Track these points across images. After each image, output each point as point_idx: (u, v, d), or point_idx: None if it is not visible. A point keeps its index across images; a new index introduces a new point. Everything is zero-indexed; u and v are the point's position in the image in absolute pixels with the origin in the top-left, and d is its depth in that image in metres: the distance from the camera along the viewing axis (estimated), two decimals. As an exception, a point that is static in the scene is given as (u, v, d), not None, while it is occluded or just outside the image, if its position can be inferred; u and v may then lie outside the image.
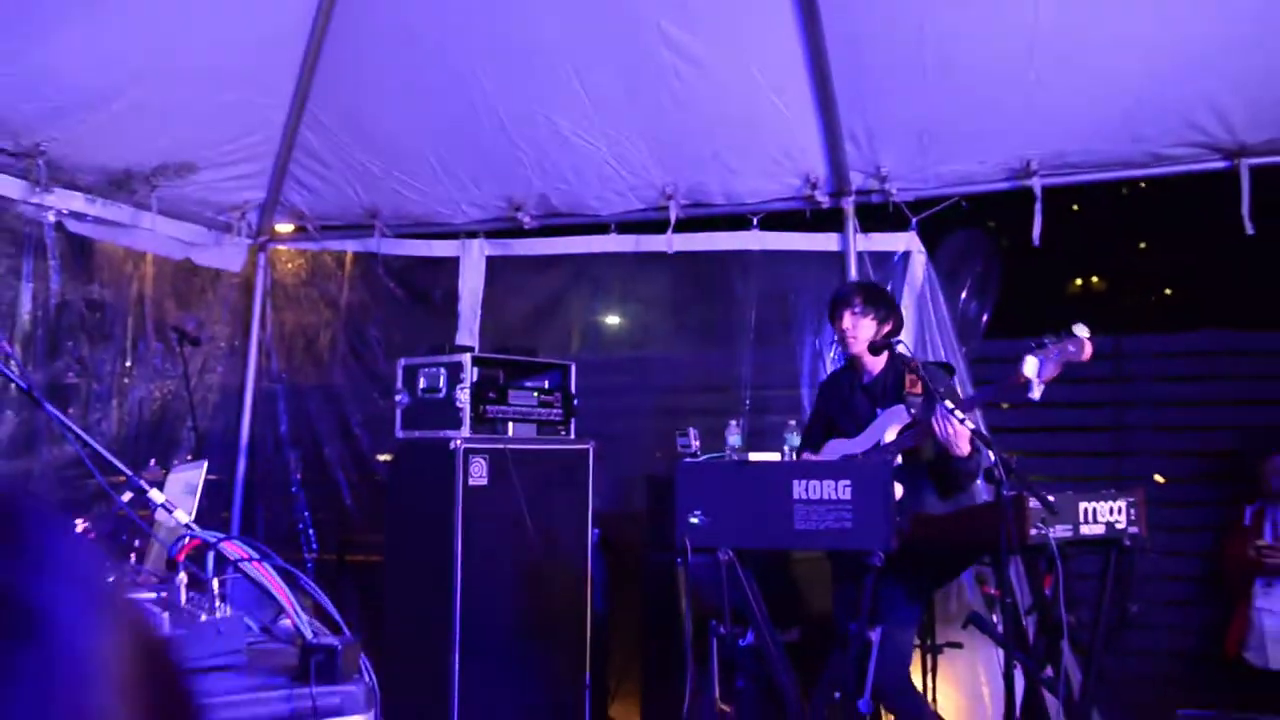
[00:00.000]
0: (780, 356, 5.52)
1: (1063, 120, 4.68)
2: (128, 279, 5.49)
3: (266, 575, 1.81)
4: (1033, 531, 3.16)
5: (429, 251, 5.97)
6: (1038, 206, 4.82)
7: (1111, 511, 3.37)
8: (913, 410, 3.62)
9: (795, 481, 3.19)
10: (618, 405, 5.62)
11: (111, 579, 0.68)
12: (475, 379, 4.40)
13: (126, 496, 2.25)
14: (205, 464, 2.82)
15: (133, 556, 2.97)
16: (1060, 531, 3.21)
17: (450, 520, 4.24)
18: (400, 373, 4.62)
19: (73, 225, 5.09)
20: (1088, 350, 3.26)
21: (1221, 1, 4.17)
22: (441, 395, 4.45)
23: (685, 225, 5.43)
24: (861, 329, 3.89)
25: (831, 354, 5.40)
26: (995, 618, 4.05)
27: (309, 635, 1.73)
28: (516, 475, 4.42)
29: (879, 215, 5.24)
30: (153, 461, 4.75)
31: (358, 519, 5.88)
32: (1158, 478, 5.38)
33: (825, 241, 5.36)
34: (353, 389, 6.00)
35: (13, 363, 2.21)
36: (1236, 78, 4.35)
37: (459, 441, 4.29)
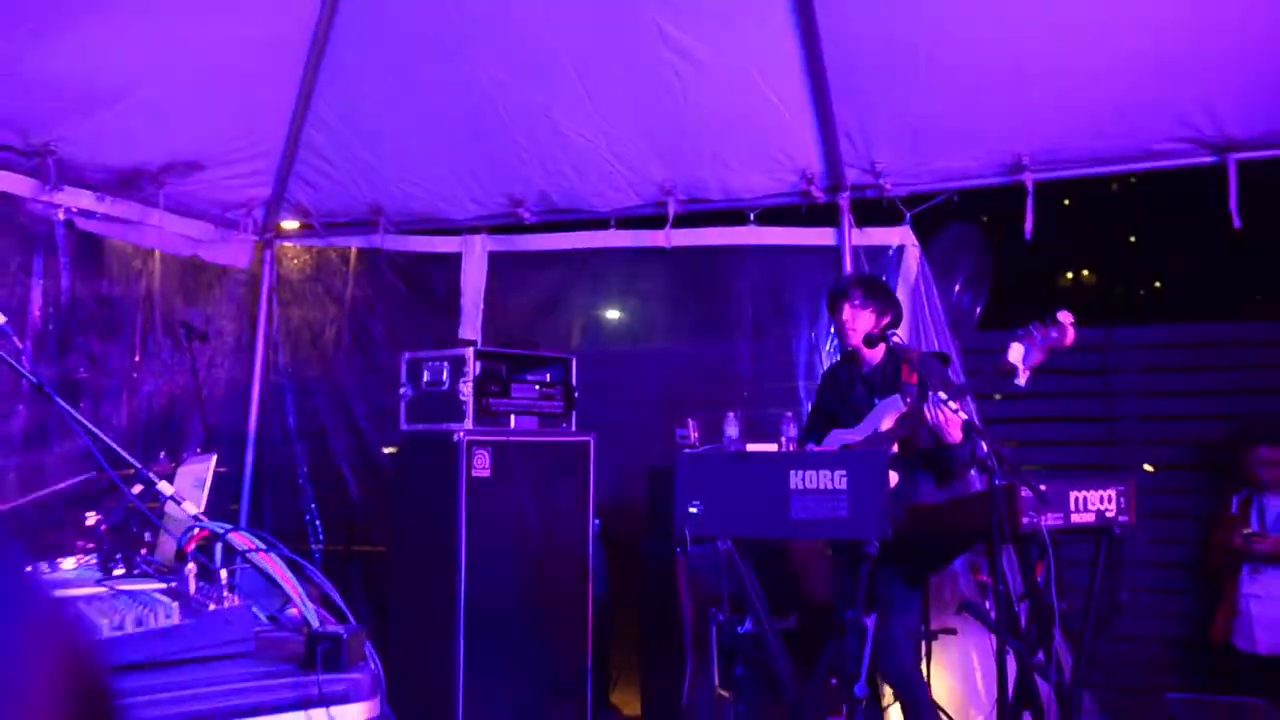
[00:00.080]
0: (777, 349, 5.52)
1: (1054, 117, 4.68)
2: (137, 275, 5.48)
3: (274, 566, 1.81)
4: (1025, 520, 3.16)
5: (432, 247, 5.97)
6: (1029, 201, 4.82)
7: (1102, 500, 3.37)
8: (908, 399, 3.63)
9: (792, 472, 3.19)
10: (618, 398, 5.62)
11: (43, 594, 0.68)
12: (478, 373, 4.40)
13: (137, 489, 2.25)
14: (214, 457, 2.81)
15: (143, 548, 2.97)
16: (1051, 520, 3.21)
17: (454, 511, 4.24)
18: (404, 367, 4.62)
19: (82, 223, 5.08)
20: (1070, 336, 3.26)
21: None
22: (445, 389, 4.45)
23: (683, 221, 5.44)
24: (861, 321, 3.90)
25: (828, 346, 5.40)
26: (988, 604, 4.06)
27: (315, 624, 1.73)
28: (519, 467, 4.42)
29: (873, 210, 5.25)
30: (162, 454, 4.75)
31: (363, 510, 5.89)
32: (1147, 467, 5.39)
33: (821, 236, 5.36)
34: (358, 383, 6.01)
35: (23, 358, 2.20)
36: (1224, 74, 4.35)
37: (462, 434, 4.29)
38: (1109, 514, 3.38)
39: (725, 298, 5.62)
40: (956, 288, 5.79)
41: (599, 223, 5.62)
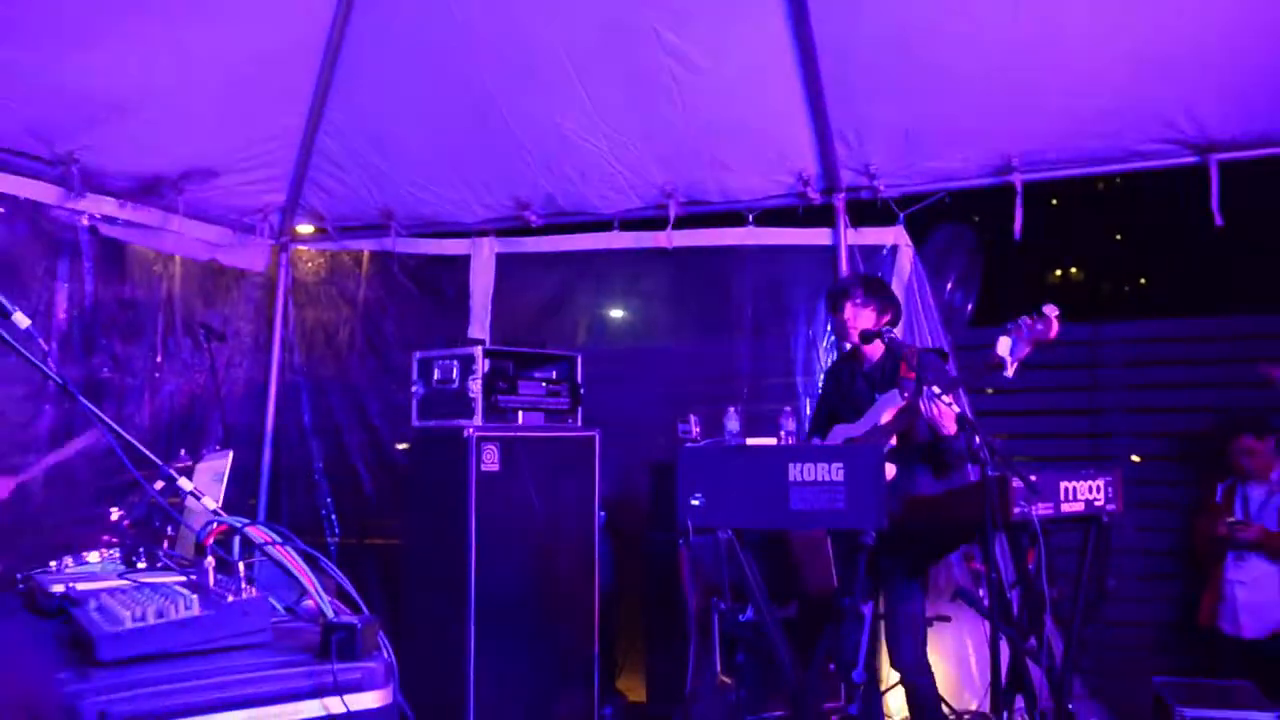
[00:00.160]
0: (776, 346, 5.52)
1: (1042, 119, 4.67)
2: (158, 279, 5.49)
3: (290, 558, 1.81)
4: (1016, 510, 3.16)
5: (441, 250, 5.97)
6: (1018, 201, 4.82)
7: (1090, 490, 3.36)
8: (905, 393, 3.62)
9: (791, 464, 3.19)
10: (622, 394, 5.61)
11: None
12: (487, 370, 4.40)
13: (158, 485, 2.25)
14: (231, 454, 2.81)
15: (165, 542, 2.97)
16: (1042, 509, 3.20)
17: (464, 505, 4.24)
18: (416, 365, 4.62)
19: (105, 229, 5.10)
20: (1055, 328, 3.26)
21: (1192, 4, 4.15)
22: (455, 386, 4.45)
23: (684, 222, 5.44)
24: (862, 319, 3.89)
25: (824, 343, 5.40)
26: (981, 592, 4.05)
27: (330, 615, 1.72)
28: (526, 461, 4.42)
29: (868, 211, 5.25)
30: (183, 451, 4.75)
31: (377, 504, 5.89)
32: (1134, 457, 5.38)
33: (817, 236, 5.35)
34: (370, 381, 6.01)
35: (49, 359, 2.20)
36: (1205, 77, 4.34)
37: (472, 430, 4.29)
38: (1097, 503, 3.38)
39: (725, 297, 5.61)
40: (949, 286, 5.79)
41: (602, 225, 5.62)
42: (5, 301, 1.84)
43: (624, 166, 5.27)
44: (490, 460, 4.32)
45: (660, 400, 5.58)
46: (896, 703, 4.35)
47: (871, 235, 5.26)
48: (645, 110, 5.00)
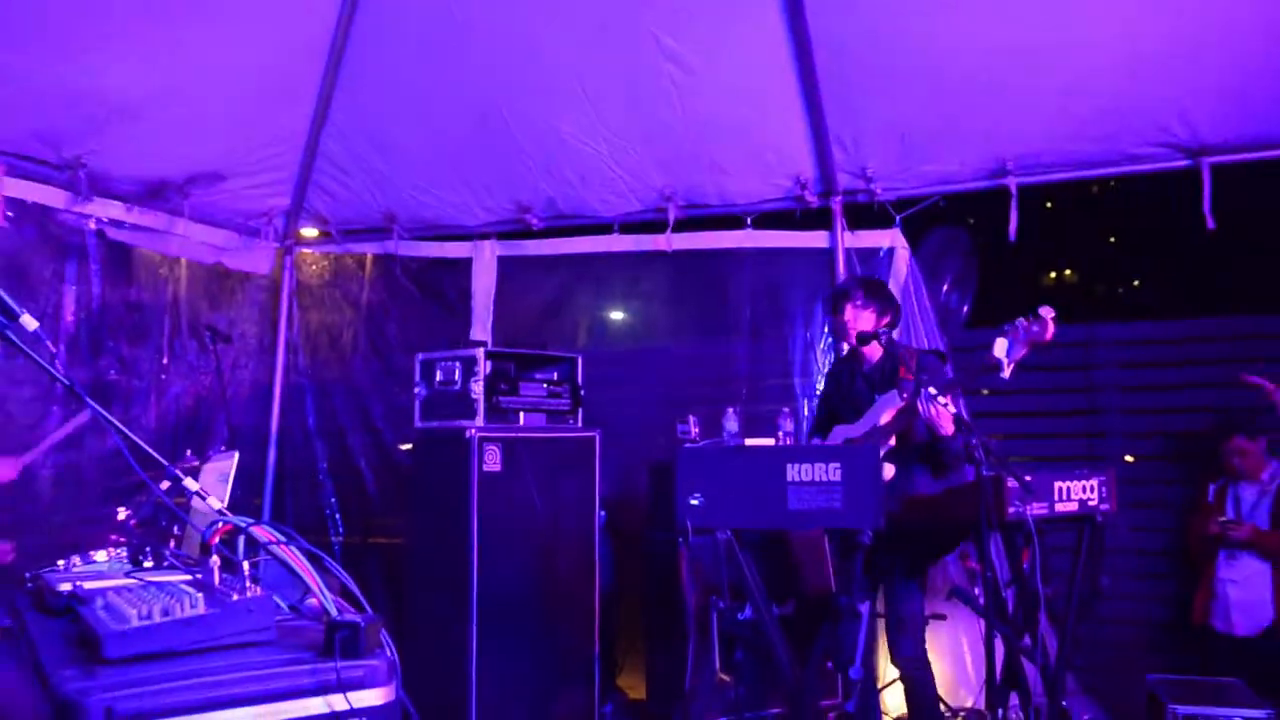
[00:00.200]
0: (774, 348, 5.51)
1: (1037, 123, 4.68)
2: (164, 282, 5.50)
3: (294, 558, 1.81)
4: (1011, 509, 3.16)
5: (443, 253, 5.97)
6: (1013, 204, 4.83)
7: (1085, 490, 3.36)
8: (904, 394, 3.63)
9: (789, 465, 3.19)
10: (622, 395, 5.61)
11: None
12: (488, 372, 4.40)
13: (164, 485, 2.25)
14: (236, 454, 2.81)
15: (171, 541, 2.97)
16: (1037, 509, 3.20)
17: (466, 505, 4.24)
18: (418, 367, 4.62)
19: (112, 233, 5.11)
20: (1050, 330, 3.26)
21: (1184, 9, 4.15)
22: (457, 387, 4.45)
23: (683, 225, 5.44)
24: (862, 321, 3.90)
25: (822, 345, 5.40)
26: (977, 590, 4.05)
27: (334, 613, 1.73)
28: (528, 462, 4.42)
29: (865, 214, 5.25)
30: (189, 452, 4.76)
31: (380, 504, 5.89)
32: (1128, 458, 5.37)
33: (815, 239, 5.36)
34: (374, 383, 6.01)
35: (57, 362, 2.20)
36: (1198, 82, 4.34)
37: (474, 431, 4.30)
38: (1091, 503, 3.38)
39: (723, 299, 5.61)
40: (945, 288, 5.78)
41: (603, 228, 5.63)
42: (13, 304, 1.84)
43: (624, 170, 5.27)
44: (492, 461, 4.32)
45: (660, 401, 5.58)
46: (893, 700, 4.34)
47: (868, 238, 5.27)
48: (644, 114, 5.01)
